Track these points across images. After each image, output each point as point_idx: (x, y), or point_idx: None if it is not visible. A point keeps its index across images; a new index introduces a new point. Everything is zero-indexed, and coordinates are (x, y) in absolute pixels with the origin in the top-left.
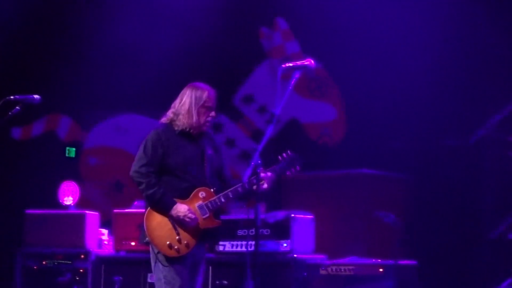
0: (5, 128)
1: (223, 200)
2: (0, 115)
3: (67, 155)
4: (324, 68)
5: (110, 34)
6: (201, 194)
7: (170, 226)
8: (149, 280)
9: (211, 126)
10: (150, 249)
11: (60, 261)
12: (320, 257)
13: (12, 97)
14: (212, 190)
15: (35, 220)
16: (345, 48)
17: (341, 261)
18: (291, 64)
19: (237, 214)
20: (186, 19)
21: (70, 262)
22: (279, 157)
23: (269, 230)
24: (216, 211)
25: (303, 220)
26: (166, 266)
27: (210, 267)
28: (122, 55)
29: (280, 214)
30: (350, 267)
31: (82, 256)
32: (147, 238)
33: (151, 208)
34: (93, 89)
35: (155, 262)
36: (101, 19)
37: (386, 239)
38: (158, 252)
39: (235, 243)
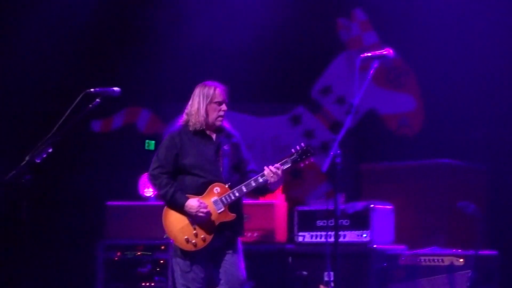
0: (85, 121)
1: (237, 194)
2: (81, 108)
3: (146, 147)
4: (403, 58)
5: (188, 27)
6: (216, 189)
7: (187, 221)
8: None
9: (222, 120)
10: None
11: (141, 252)
12: (399, 248)
13: (92, 90)
14: (227, 185)
15: (116, 212)
16: (423, 38)
17: (421, 251)
18: (369, 54)
19: (316, 205)
20: (263, 12)
21: (150, 253)
22: (292, 149)
23: (348, 221)
24: (231, 205)
25: (382, 210)
26: (184, 260)
27: (290, 258)
28: (200, 48)
29: (359, 205)
30: (430, 258)
31: (163, 247)
32: (166, 234)
33: (167, 206)
34: (172, 82)
35: (174, 257)
36: (179, 11)
37: (467, 230)
38: (176, 247)
39: (314, 233)
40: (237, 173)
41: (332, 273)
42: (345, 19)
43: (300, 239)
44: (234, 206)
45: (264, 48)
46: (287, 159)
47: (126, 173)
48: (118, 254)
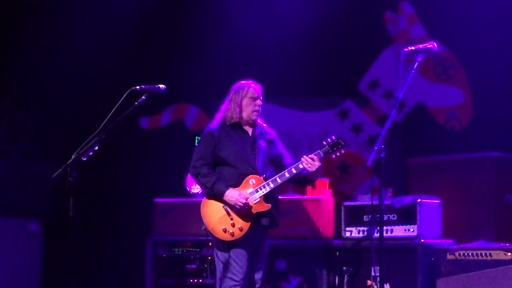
0: (132, 118)
1: (271, 185)
2: (127, 105)
3: (197, 144)
4: (450, 51)
5: (234, 23)
6: (252, 181)
7: (225, 212)
8: None
9: (258, 114)
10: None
11: (189, 249)
12: (447, 242)
13: (138, 87)
14: (262, 177)
15: (164, 209)
16: (471, 30)
17: (469, 245)
18: (413, 48)
19: (363, 199)
20: (310, 6)
21: (198, 249)
22: (324, 142)
23: (395, 215)
24: (267, 195)
25: (430, 204)
26: (223, 250)
27: (337, 253)
28: (247, 44)
29: (406, 199)
30: (478, 252)
31: (210, 244)
32: (204, 225)
33: (207, 196)
34: (219, 78)
35: (214, 247)
36: (225, 7)
37: None
38: (216, 238)
39: (361, 228)
40: (273, 166)
41: (377, 268)
42: (392, 12)
43: (347, 234)
44: (270, 197)
45: (311, 42)
46: (319, 151)
47: (174, 170)
48: (166, 250)
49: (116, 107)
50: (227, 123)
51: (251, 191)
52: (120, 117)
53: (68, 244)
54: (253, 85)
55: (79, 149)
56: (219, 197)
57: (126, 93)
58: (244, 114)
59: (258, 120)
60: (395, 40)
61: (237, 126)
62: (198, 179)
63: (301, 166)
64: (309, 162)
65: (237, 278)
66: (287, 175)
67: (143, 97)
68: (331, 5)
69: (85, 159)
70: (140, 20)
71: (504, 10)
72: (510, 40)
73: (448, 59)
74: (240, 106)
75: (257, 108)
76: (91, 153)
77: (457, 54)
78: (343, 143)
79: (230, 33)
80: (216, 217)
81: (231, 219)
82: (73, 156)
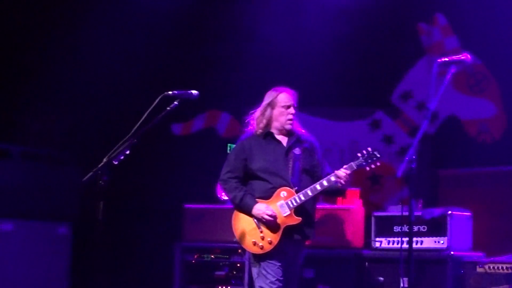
0: (164, 123)
1: (302, 197)
2: (159, 110)
3: (229, 151)
4: (484, 63)
5: (269, 31)
6: (283, 193)
7: (254, 225)
8: None
9: (292, 123)
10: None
11: (218, 256)
12: (477, 255)
13: (170, 92)
14: (294, 189)
15: (194, 215)
16: (505, 43)
17: (499, 259)
18: (446, 59)
19: (394, 210)
20: (343, 16)
21: (227, 256)
22: (358, 153)
23: (426, 227)
24: (298, 208)
25: (460, 217)
26: (255, 263)
27: (366, 263)
28: (280, 53)
29: (437, 211)
30: (509, 265)
31: (239, 251)
32: (236, 238)
33: (236, 209)
34: (252, 86)
35: (248, 260)
36: (261, 15)
37: None
38: (248, 252)
39: (391, 239)
40: (309, 177)
41: (406, 279)
42: (426, 24)
43: (377, 244)
44: (301, 209)
45: (344, 52)
46: (352, 163)
47: (205, 176)
48: (196, 256)
49: (148, 112)
50: (259, 134)
51: (281, 204)
52: (152, 122)
53: (97, 248)
54: (285, 92)
55: (110, 153)
56: (247, 211)
57: (159, 98)
58: (277, 124)
59: (296, 127)
60: (428, 51)
61: (270, 136)
62: (226, 192)
63: (332, 179)
64: (341, 176)
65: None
66: (318, 187)
67: (175, 102)
68: (365, 16)
69: (116, 163)
70: (174, 26)
71: None
72: None
73: (481, 72)
74: (271, 116)
75: (290, 116)
76: (122, 158)
77: (490, 67)
78: (378, 156)
79: (263, 42)
80: (247, 230)
81: (261, 232)
82: (104, 160)
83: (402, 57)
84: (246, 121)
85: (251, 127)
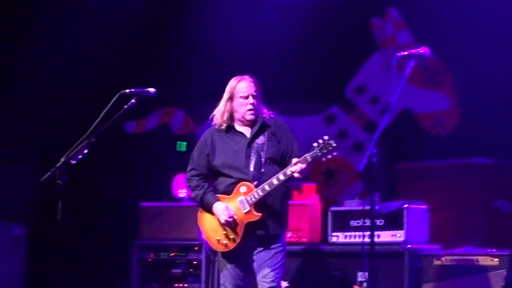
0: (119, 122)
1: (261, 193)
2: (116, 108)
3: (178, 149)
4: (437, 57)
5: (222, 28)
6: (242, 189)
7: (218, 222)
8: None
9: (253, 113)
10: None
11: (175, 253)
12: (434, 248)
13: (128, 90)
14: (253, 183)
15: (150, 213)
16: (458, 36)
17: (456, 251)
18: (406, 53)
19: (350, 205)
20: (297, 12)
21: (184, 254)
22: (314, 143)
23: (383, 221)
24: (260, 204)
25: (417, 210)
26: (221, 261)
27: (324, 258)
28: (235, 49)
29: (394, 205)
30: (465, 257)
31: (196, 248)
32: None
33: (200, 208)
34: (206, 83)
35: (216, 257)
36: (214, 13)
37: (502, 229)
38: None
39: (348, 234)
40: (277, 166)
41: (366, 273)
42: (379, 18)
43: (334, 239)
44: (263, 204)
45: (299, 48)
46: (306, 155)
47: (160, 174)
48: (152, 255)
49: (105, 110)
50: (221, 127)
51: (241, 200)
52: (110, 120)
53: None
54: (242, 80)
55: (68, 152)
56: (209, 211)
57: (116, 96)
58: (239, 115)
59: (261, 113)
60: (381, 46)
61: (232, 129)
62: (189, 190)
63: (288, 172)
64: (295, 170)
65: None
66: (275, 182)
67: (132, 100)
68: (318, 11)
69: (74, 162)
70: (129, 25)
71: (492, 18)
72: (497, 47)
73: (435, 65)
74: (232, 108)
75: (249, 107)
76: (80, 157)
77: (444, 60)
78: (334, 145)
79: (218, 39)
80: (211, 227)
81: (224, 229)
82: (62, 159)
83: (355, 52)
84: (211, 115)
85: (215, 121)
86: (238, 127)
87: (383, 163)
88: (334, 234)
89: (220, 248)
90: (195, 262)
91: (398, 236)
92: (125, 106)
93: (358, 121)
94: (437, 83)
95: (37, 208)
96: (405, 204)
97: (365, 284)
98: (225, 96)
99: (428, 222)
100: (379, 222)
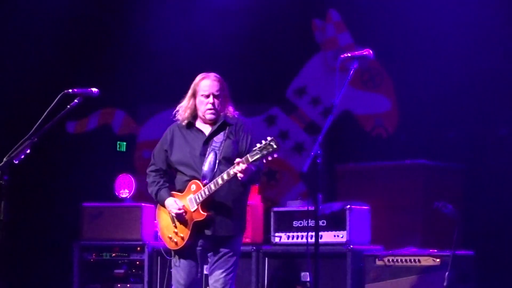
0: (61, 122)
1: (206, 192)
2: (59, 108)
3: (118, 149)
4: (377, 59)
5: (164, 28)
6: (192, 187)
7: (170, 220)
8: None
9: (212, 112)
10: None
11: (117, 254)
12: (376, 248)
13: (70, 90)
14: (203, 182)
15: (92, 213)
16: (397, 39)
17: (398, 251)
18: (349, 55)
19: (293, 205)
20: (238, 12)
21: (126, 254)
22: (257, 144)
23: (325, 221)
24: (209, 203)
25: (359, 211)
26: (173, 258)
27: (266, 259)
28: (176, 49)
29: (336, 205)
30: (407, 258)
31: (139, 249)
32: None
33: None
34: (147, 83)
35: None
36: (156, 13)
37: (443, 230)
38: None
39: (291, 234)
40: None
41: (308, 274)
42: (320, 20)
43: (277, 239)
44: (213, 204)
45: (240, 49)
46: (247, 155)
47: (102, 174)
48: (94, 255)
49: (48, 110)
50: (182, 124)
51: (190, 198)
52: (52, 120)
53: None
54: (206, 78)
55: (10, 152)
56: (163, 207)
57: (59, 96)
58: (200, 113)
59: (229, 111)
60: (322, 47)
61: (192, 125)
62: (147, 186)
63: (231, 172)
64: (237, 170)
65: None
66: (219, 181)
67: (75, 100)
68: (259, 11)
69: (17, 162)
70: (70, 24)
71: (430, 21)
72: (436, 49)
73: (375, 67)
74: (194, 105)
75: (209, 106)
76: (23, 156)
77: (384, 62)
78: (275, 146)
79: (159, 40)
80: (164, 225)
81: (175, 227)
82: (4, 159)
83: (296, 53)
84: (174, 110)
85: (178, 116)
86: (199, 124)
87: (323, 164)
88: (277, 234)
89: (171, 246)
90: (138, 263)
91: (340, 236)
92: (68, 106)
93: (299, 122)
94: (377, 85)
95: None
96: (348, 205)
97: (308, 285)
98: (189, 92)
99: (370, 222)
100: (321, 222)
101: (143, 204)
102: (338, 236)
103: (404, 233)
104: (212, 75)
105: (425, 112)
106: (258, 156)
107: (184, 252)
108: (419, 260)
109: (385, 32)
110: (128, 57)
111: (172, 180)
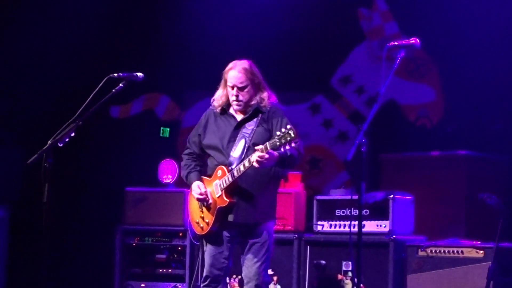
0: (105, 106)
1: (230, 178)
2: (103, 92)
3: (161, 135)
4: (423, 48)
5: (210, 15)
6: (219, 172)
7: (198, 205)
8: None
9: (238, 104)
10: None
11: (159, 239)
12: (419, 238)
13: (116, 74)
14: (228, 168)
15: (135, 198)
16: (444, 28)
17: (440, 242)
18: (396, 43)
19: (336, 194)
20: (284, 1)
21: (168, 239)
22: (277, 132)
23: (368, 211)
24: (230, 189)
25: (403, 200)
26: (204, 242)
27: (308, 247)
28: (222, 36)
29: (379, 195)
30: (450, 249)
31: (181, 234)
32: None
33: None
34: (193, 69)
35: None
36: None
37: (487, 221)
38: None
39: (333, 223)
40: None
41: (350, 263)
42: (366, 9)
43: (319, 228)
44: (237, 190)
45: (284, 37)
46: (266, 143)
47: (146, 159)
48: (136, 239)
49: (93, 94)
50: (217, 110)
51: (216, 183)
52: (97, 104)
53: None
54: (232, 69)
55: (55, 135)
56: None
57: (104, 80)
58: (230, 101)
59: (263, 98)
60: (368, 36)
61: (225, 112)
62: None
63: (252, 159)
64: (256, 158)
65: (206, 273)
66: (241, 168)
67: (120, 84)
68: (305, 0)
69: (61, 145)
70: (117, 8)
71: (478, 10)
72: (483, 39)
73: (421, 57)
74: (226, 93)
75: (233, 98)
76: (67, 140)
77: (430, 52)
78: (293, 135)
79: (205, 25)
80: (193, 209)
81: (201, 212)
82: (49, 142)
83: (342, 42)
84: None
85: (214, 103)
86: (233, 111)
87: (367, 153)
88: (319, 223)
89: (198, 231)
90: (179, 248)
91: (383, 226)
92: (113, 90)
93: (343, 110)
94: (423, 75)
95: (20, 190)
96: (391, 194)
97: (349, 274)
98: (222, 80)
99: (413, 212)
100: (364, 212)
101: (185, 189)
102: (380, 225)
103: (447, 224)
104: (240, 65)
105: (470, 103)
106: (276, 144)
107: (210, 238)
108: (462, 252)
109: (432, 21)
110: (175, 42)
111: (205, 165)
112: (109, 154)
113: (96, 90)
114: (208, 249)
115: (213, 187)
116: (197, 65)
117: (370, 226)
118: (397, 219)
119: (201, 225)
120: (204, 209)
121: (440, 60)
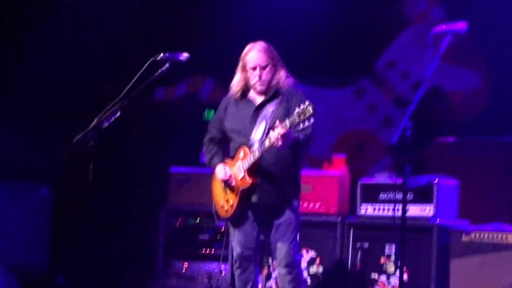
0: (150, 87)
1: (252, 159)
2: (148, 73)
3: (205, 117)
4: (470, 34)
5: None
6: (241, 154)
7: (221, 188)
8: None
9: (261, 83)
10: None
11: (202, 220)
12: (463, 223)
13: (161, 54)
14: (250, 149)
15: (179, 178)
16: (491, 14)
17: (485, 227)
18: (443, 27)
19: (380, 177)
20: None
21: (211, 220)
22: (296, 109)
23: (412, 195)
24: (252, 170)
25: (447, 185)
26: (229, 225)
27: (351, 229)
28: (266, 20)
29: (423, 179)
30: (494, 234)
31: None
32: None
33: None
34: (236, 52)
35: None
36: None
37: None
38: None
39: (377, 206)
40: None
41: (394, 246)
42: None
43: (363, 211)
44: (260, 170)
45: (330, 20)
46: (286, 120)
47: (190, 141)
48: (180, 220)
49: (138, 75)
50: (236, 94)
51: (238, 165)
52: (143, 84)
53: (83, 209)
54: (252, 50)
55: (100, 114)
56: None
57: (150, 60)
58: (250, 84)
59: (282, 78)
60: (414, 21)
61: (245, 96)
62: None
63: (272, 138)
64: (275, 135)
65: (234, 255)
66: (263, 148)
67: (166, 65)
68: None
69: (106, 125)
70: None
71: None
72: None
73: (467, 42)
74: (245, 76)
75: (256, 78)
76: (112, 119)
77: (477, 38)
78: (311, 111)
79: (249, 10)
80: (217, 193)
81: (226, 194)
82: (94, 121)
83: (387, 27)
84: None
85: (233, 88)
86: (253, 94)
87: (412, 138)
88: (363, 206)
89: (222, 214)
90: (223, 229)
91: (427, 210)
92: (159, 70)
93: (388, 95)
94: (469, 61)
95: (65, 169)
96: (436, 179)
97: (392, 257)
98: (239, 65)
99: (457, 197)
100: (408, 196)
101: None
102: (424, 210)
103: (491, 210)
104: (258, 45)
105: None
106: (296, 120)
107: (235, 220)
108: (506, 237)
109: (479, 6)
110: (222, 26)
111: (228, 149)
112: (154, 135)
113: (141, 71)
114: (236, 232)
115: (236, 169)
116: (241, 49)
117: (414, 210)
118: (441, 204)
119: (226, 208)
120: (228, 191)
121: (487, 46)
